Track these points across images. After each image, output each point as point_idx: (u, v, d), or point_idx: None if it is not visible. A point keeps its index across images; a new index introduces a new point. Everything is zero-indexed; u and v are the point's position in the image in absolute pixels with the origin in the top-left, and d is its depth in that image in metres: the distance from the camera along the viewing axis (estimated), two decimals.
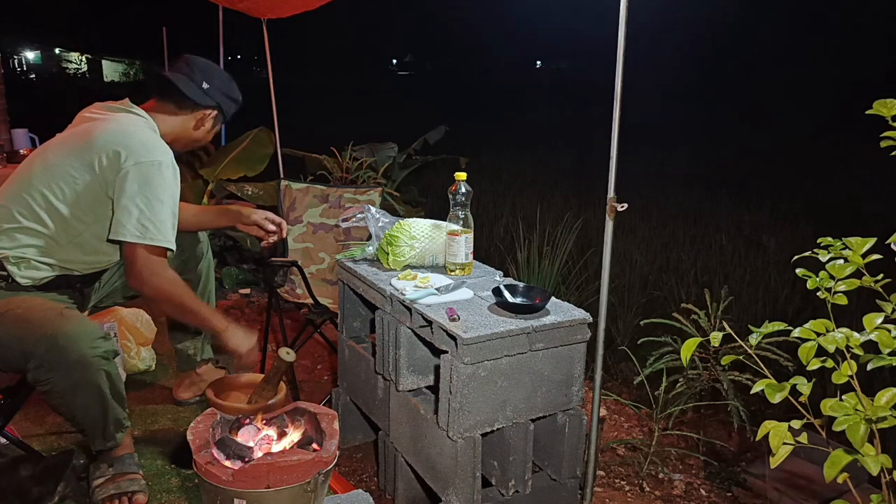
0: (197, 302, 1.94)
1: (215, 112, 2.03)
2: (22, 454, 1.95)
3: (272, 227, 2.24)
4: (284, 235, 2.30)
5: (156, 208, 1.79)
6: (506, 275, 2.06)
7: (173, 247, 1.84)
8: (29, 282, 1.81)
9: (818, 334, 1.07)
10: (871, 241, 1.13)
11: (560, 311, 1.71)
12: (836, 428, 0.98)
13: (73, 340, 1.63)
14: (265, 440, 1.56)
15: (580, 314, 1.70)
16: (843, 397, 1.02)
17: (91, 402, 1.73)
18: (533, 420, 1.69)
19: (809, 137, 11.42)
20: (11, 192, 1.83)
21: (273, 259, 2.56)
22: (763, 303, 3.55)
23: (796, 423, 1.07)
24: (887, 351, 1.02)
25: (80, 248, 1.86)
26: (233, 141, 4.41)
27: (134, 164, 1.77)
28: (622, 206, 1.80)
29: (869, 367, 1.05)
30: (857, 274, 1.12)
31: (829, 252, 1.15)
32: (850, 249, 1.13)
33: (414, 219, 2.09)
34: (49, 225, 1.80)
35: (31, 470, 1.74)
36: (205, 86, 1.98)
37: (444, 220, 2.00)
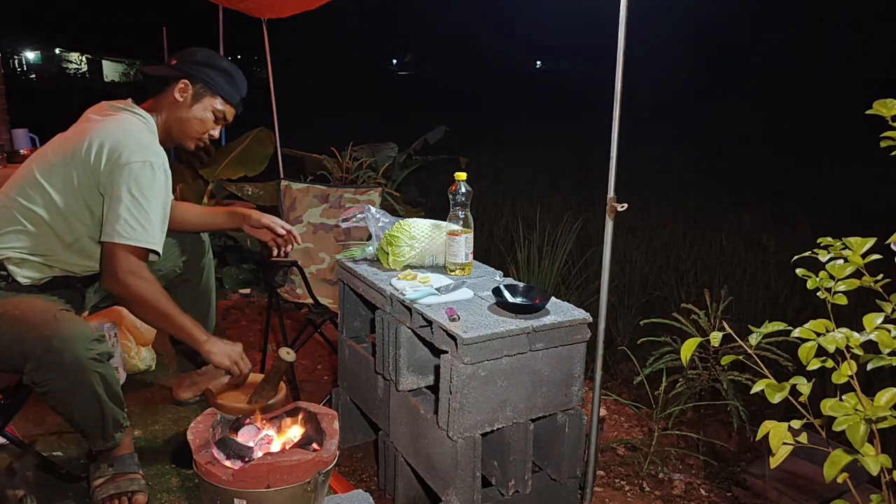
0: (176, 310, 1.85)
1: (188, 81, 1.94)
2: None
3: (281, 231, 2.24)
4: (300, 242, 2.30)
5: (144, 209, 1.75)
6: (506, 275, 2.06)
7: (159, 249, 1.81)
8: (29, 281, 1.81)
9: (818, 334, 1.07)
10: (871, 241, 1.13)
11: (560, 311, 1.71)
12: (836, 428, 0.98)
13: (68, 342, 1.63)
14: (265, 440, 1.57)
15: (580, 314, 1.70)
16: (843, 397, 1.02)
17: (88, 403, 1.72)
18: (533, 420, 1.69)
19: (810, 137, 11.42)
20: (13, 193, 1.83)
21: (273, 259, 2.56)
22: (763, 303, 3.55)
23: (796, 423, 1.07)
24: (887, 351, 1.02)
25: (80, 250, 1.86)
26: (233, 141, 4.41)
27: (125, 164, 1.75)
28: (622, 206, 1.80)
29: (869, 367, 1.05)
30: (857, 274, 1.12)
31: (828, 252, 1.15)
32: (849, 249, 1.13)
33: (414, 219, 2.09)
34: (50, 225, 1.80)
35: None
36: (173, 63, 1.97)
37: (444, 220, 2.00)
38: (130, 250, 1.76)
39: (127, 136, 1.80)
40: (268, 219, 2.24)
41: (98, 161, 1.76)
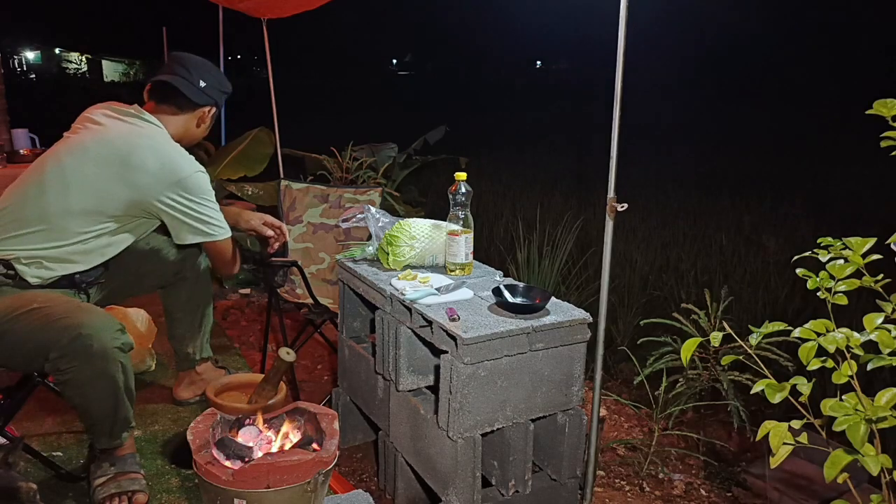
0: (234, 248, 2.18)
1: (214, 109, 2.11)
2: None
3: (270, 233, 2.27)
4: (285, 239, 2.31)
5: (215, 208, 2.00)
6: (506, 275, 2.06)
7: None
8: (38, 280, 1.83)
9: (818, 334, 1.07)
10: (871, 241, 1.13)
11: (560, 311, 1.71)
12: (836, 428, 0.99)
13: (96, 331, 1.67)
14: (265, 440, 1.57)
15: (580, 314, 1.70)
16: (843, 397, 1.02)
17: (106, 394, 1.74)
18: (533, 420, 1.69)
19: (809, 137, 11.42)
20: (22, 195, 1.85)
21: (273, 259, 2.56)
22: (763, 303, 3.55)
23: (796, 423, 1.07)
24: (887, 351, 1.02)
25: (86, 250, 1.88)
26: (233, 141, 4.41)
27: (186, 177, 1.90)
28: (622, 206, 1.80)
29: (869, 367, 1.05)
30: (857, 274, 1.12)
31: (829, 252, 1.16)
32: (850, 249, 1.13)
33: (414, 219, 2.09)
34: (61, 228, 1.82)
35: None
36: (202, 84, 2.02)
37: (444, 220, 2.00)
38: (226, 243, 2.08)
39: (169, 152, 1.93)
40: (256, 221, 2.29)
41: (147, 177, 1.86)
